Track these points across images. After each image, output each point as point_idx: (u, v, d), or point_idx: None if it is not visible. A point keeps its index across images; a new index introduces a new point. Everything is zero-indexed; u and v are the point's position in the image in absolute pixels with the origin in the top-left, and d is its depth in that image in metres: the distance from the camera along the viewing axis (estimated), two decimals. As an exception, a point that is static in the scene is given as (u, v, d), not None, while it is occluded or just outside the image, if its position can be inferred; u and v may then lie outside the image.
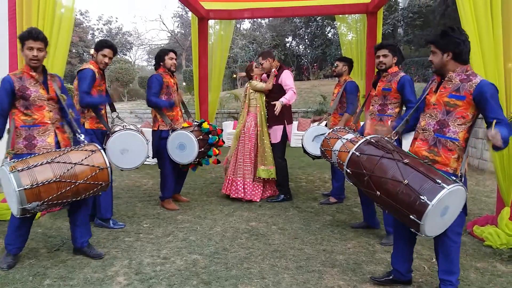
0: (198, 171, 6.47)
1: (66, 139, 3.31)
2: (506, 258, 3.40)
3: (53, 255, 3.39)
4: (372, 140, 2.77)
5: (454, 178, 2.45)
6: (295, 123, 10.39)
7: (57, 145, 3.23)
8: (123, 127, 4.12)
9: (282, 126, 5.16)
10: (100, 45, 4.04)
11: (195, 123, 4.79)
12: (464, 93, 2.55)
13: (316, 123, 5.19)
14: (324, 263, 3.29)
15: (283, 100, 4.91)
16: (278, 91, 5.11)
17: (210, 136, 4.67)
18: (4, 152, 3.11)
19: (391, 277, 2.93)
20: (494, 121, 2.38)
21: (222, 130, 5.16)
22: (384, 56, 3.88)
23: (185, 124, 4.70)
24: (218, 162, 5.03)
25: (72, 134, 3.42)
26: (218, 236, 3.90)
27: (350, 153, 2.77)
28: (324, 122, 5.13)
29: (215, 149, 4.74)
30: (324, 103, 12.75)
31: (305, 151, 4.86)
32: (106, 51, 4.01)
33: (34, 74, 3.16)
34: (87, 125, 3.96)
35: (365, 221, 4.16)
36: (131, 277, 3.01)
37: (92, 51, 4.16)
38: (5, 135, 3.17)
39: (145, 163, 4.77)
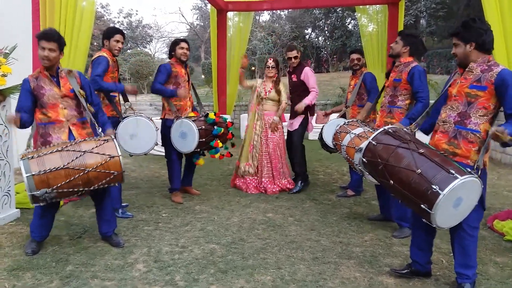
0: (216, 163, 6.53)
1: (84, 135, 3.31)
2: (527, 253, 3.35)
3: (75, 242, 3.49)
4: (389, 130, 2.77)
5: (470, 170, 2.42)
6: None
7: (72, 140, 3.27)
8: (134, 114, 4.19)
9: (302, 116, 5.20)
10: (111, 32, 4.14)
11: (203, 114, 4.78)
12: (485, 83, 2.51)
13: (335, 115, 5.20)
14: (340, 255, 3.30)
15: (306, 101, 5.11)
16: (301, 86, 5.18)
17: (215, 127, 4.63)
18: (25, 145, 3.21)
19: (411, 270, 2.92)
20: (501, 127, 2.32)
21: (232, 123, 5.16)
22: (395, 42, 3.81)
23: (192, 114, 4.71)
24: (231, 155, 5.06)
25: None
26: (235, 226, 3.94)
27: (367, 142, 2.78)
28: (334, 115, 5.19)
29: (217, 141, 4.65)
30: (343, 95, 12.64)
31: (323, 144, 4.85)
32: (118, 37, 4.11)
33: (47, 73, 3.23)
34: None
35: (382, 214, 4.14)
36: (150, 264, 3.08)
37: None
38: (30, 131, 3.27)
39: (161, 153, 4.84)
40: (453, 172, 2.33)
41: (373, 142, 2.74)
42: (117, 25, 32.49)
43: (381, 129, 2.80)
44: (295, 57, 5.20)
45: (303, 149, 5.33)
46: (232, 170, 6.24)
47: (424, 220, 2.48)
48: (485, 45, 2.57)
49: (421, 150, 2.51)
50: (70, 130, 3.27)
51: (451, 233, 2.71)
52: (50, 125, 3.22)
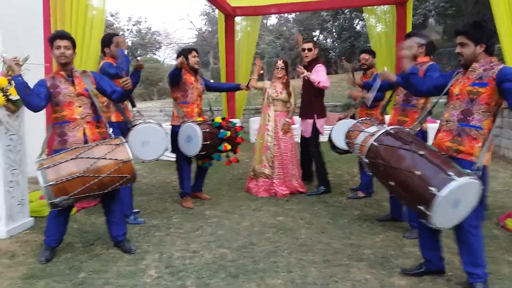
0: (226, 168, 6.55)
1: (96, 134, 3.39)
2: (542, 252, 3.30)
3: (88, 249, 3.53)
4: (391, 131, 2.79)
5: (469, 171, 2.42)
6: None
7: (86, 140, 3.34)
8: (143, 121, 4.24)
9: (312, 120, 5.16)
10: (109, 39, 4.19)
11: (210, 118, 4.79)
12: (486, 80, 2.53)
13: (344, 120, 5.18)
14: (351, 257, 3.29)
15: (312, 76, 4.98)
16: (311, 84, 5.09)
17: (221, 130, 4.64)
18: (40, 149, 3.29)
19: (422, 270, 2.91)
20: None
21: (242, 127, 5.18)
22: None
23: (199, 119, 4.74)
24: (238, 161, 5.07)
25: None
26: (245, 230, 3.95)
27: (369, 143, 2.79)
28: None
29: (226, 144, 4.66)
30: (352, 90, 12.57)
31: (332, 146, 4.84)
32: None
33: (63, 72, 3.34)
34: (113, 118, 4.14)
35: (391, 213, 4.12)
36: (162, 270, 3.11)
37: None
38: (45, 134, 3.35)
39: (172, 159, 4.88)
40: (452, 174, 2.35)
41: (375, 143, 2.75)
42: (126, 33, 32.83)
43: (383, 129, 2.82)
44: (309, 49, 5.17)
45: (321, 158, 5.30)
46: (242, 175, 6.27)
47: (423, 221, 2.50)
48: (492, 48, 2.60)
49: (422, 152, 2.53)
50: (84, 129, 3.35)
51: (455, 233, 2.72)
52: (66, 124, 3.31)
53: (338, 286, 2.83)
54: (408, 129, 2.87)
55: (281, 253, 3.40)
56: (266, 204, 4.81)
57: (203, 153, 4.53)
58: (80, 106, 3.34)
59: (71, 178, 2.95)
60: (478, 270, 2.64)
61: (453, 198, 2.36)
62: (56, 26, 4.39)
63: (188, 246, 3.57)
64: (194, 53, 4.80)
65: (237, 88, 5.70)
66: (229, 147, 4.70)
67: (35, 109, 3.25)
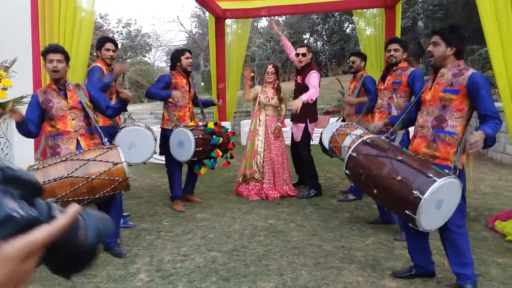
0: (216, 171, 6.53)
1: (91, 145, 3.36)
2: (529, 253, 3.34)
3: (77, 253, 3.49)
4: (368, 140, 2.85)
5: (448, 171, 2.48)
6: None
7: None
8: (132, 123, 4.22)
9: (304, 125, 5.16)
10: (101, 42, 4.19)
11: (203, 123, 4.77)
12: (457, 87, 2.60)
13: (334, 119, 5.22)
14: (342, 260, 3.30)
15: (303, 97, 4.75)
16: (304, 89, 5.04)
17: (213, 136, 4.62)
18: (25, 158, 3.26)
19: (412, 272, 2.94)
20: (475, 133, 2.40)
21: (233, 133, 5.17)
22: (395, 50, 3.98)
23: (192, 123, 4.70)
24: (229, 163, 5.06)
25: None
26: (236, 233, 3.94)
27: (348, 154, 2.84)
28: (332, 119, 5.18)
29: (218, 150, 4.65)
30: (342, 99, 12.64)
31: (323, 148, 4.87)
32: (108, 45, 4.17)
33: (55, 86, 3.31)
34: (100, 123, 4.09)
35: (381, 217, 4.15)
36: (152, 274, 3.08)
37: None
38: (33, 143, 3.34)
39: (163, 162, 4.86)
40: (432, 175, 2.40)
41: (354, 154, 2.80)
42: (116, 35, 32.63)
43: (360, 140, 2.86)
44: (303, 54, 5.14)
45: (311, 161, 5.31)
46: (233, 177, 6.26)
47: (410, 224, 2.53)
48: (462, 53, 2.68)
49: (399, 157, 2.58)
50: (78, 141, 3.33)
51: (440, 234, 2.76)
52: (59, 136, 3.29)
53: (329, 288, 2.84)
54: (384, 137, 2.93)
55: (273, 256, 3.40)
56: (257, 207, 4.80)
57: (194, 159, 4.51)
58: (73, 119, 3.32)
59: (59, 178, 2.89)
60: (466, 270, 2.67)
61: (436, 199, 2.41)
62: (45, 28, 4.33)
63: (179, 249, 3.55)
64: (187, 54, 4.73)
65: (212, 103, 5.62)
66: (220, 153, 4.69)
67: (32, 137, 3.28)
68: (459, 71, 2.62)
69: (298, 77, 5.27)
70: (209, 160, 4.75)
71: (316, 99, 5.21)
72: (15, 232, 0.54)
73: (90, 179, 2.98)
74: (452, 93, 2.61)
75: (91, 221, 0.72)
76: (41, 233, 0.56)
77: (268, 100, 5.20)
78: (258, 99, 5.28)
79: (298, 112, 4.72)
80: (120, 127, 4.16)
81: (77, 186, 2.95)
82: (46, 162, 3.01)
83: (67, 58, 3.31)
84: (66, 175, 2.92)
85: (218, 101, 5.57)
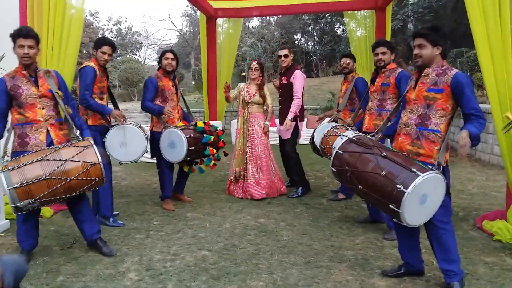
0: (207, 170, 6.51)
1: (61, 136, 3.28)
2: (516, 252, 3.39)
3: (66, 252, 3.46)
4: (354, 138, 2.89)
5: (431, 167, 2.52)
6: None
7: (50, 142, 3.22)
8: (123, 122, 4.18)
9: (294, 123, 5.19)
10: (99, 43, 4.10)
11: (192, 123, 4.73)
12: (442, 86, 2.65)
13: (326, 119, 5.24)
14: (332, 259, 3.31)
15: (291, 115, 5.07)
16: (290, 89, 5.16)
17: (204, 135, 4.59)
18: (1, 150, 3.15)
19: (402, 271, 2.97)
20: (462, 134, 2.43)
21: (223, 131, 5.15)
22: (383, 53, 4.06)
23: (180, 124, 4.66)
24: (215, 165, 5.00)
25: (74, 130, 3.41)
26: (227, 232, 3.94)
27: (334, 152, 2.86)
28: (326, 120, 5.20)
29: (211, 148, 4.63)
30: (333, 100, 12.71)
31: (314, 148, 4.88)
32: (105, 48, 4.06)
33: (25, 72, 3.16)
34: (90, 122, 4.03)
35: (370, 216, 4.18)
36: (142, 273, 3.07)
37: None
38: (5, 134, 3.20)
39: (153, 161, 4.83)
40: (415, 170, 2.44)
41: (340, 151, 2.83)
42: (106, 33, 32.41)
43: (346, 138, 2.89)
44: (285, 56, 5.21)
45: (298, 158, 5.34)
46: (224, 176, 6.25)
47: (395, 220, 2.58)
48: (446, 52, 2.74)
49: (384, 154, 2.63)
50: (48, 131, 3.22)
51: (426, 230, 2.80)
52: (28, 125, 3.16)
53: (319, 287, 2.85)
54: (369, 136, 2.98)
55: (263, 255, 3.40)
56: (248, 206, 4.80)
57: (186, 159, 4.49)
58: (43, 108, 3.20)
59: (36, 180, 2.82)
60: (453, 267, 2.71)
61: (420, 194, 2.45)
62: (34, 24, 4.28)
63: (169, 248, 3.54)
64: (166, 55, 4.62)
65: (187, 118, 5.20)
66: (214, 150, 4.67)
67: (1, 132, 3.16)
68: (443, 71, 2.67)
69: (283, 78, 5.32)
70: (204, 158, 4.71)
71: (302, 100, 5.24)
72: None
73: (68, 180, 2.93)
74: (436, 92, 2.66)
75: (7, 267, 0.90)
76: None
77: (249, 97, 5.20)
78: (241, 96, 5.29)
79: (287, 129, 5.12)
80: (112, 125, 4.13)
81: (55, 187, 2.89)
82: (20, 160, 2.89)
83: (38, 43, 3.15)
84: (43, 177, 2.85)
85: (226, 82, 5.31)
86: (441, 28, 2.70)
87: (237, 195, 5.20)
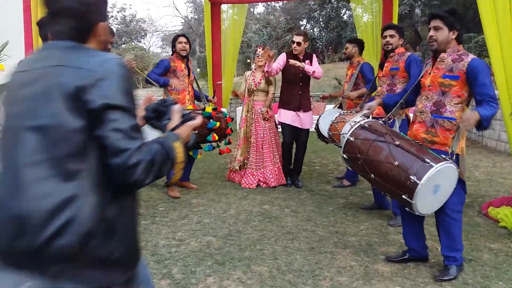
0: (212, 157, 6.54)
1: None
2: (521, 239, 3.38)
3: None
4: (365, 124, 2.82)
5: (444, 156, 2.49)
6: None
7: None
8: None
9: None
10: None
11: (201, 107, 4.71)
12: (457, 73, 2.59)
13: (330, 106, 5.20)
14: (336, 245, 3.32)
15: (308, 67, 4.80)
16: (307, 77, 4.99)
17: (210, 120, 4.54)
18: None
19: (406, 257, 2.97)
20: (467, 110, 2.42)
21: (232, 119, 5.11)
22: (391, 36, 3.98)
23: (190, 107, 4.66)
24: (230, 150, 4.99)
25: None
26: (231, 218, 3.95)
27: (346, 138, 2.81)
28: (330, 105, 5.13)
29: (214, 134, 4.57)
30: (339, 86, 12.63)
31: (319, 135, 4.85)
32: None
33: None
34: None
35: (375, 202, 4.17)
36: (147, 258, 3.09)
37: None
38: None
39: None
40: (429, 161, 2.40)
41: (351, 138, 2.78)
42: (110, 20, 32.23)
43: (358, 124, 2.83)
44: (298, 44, 4.94)
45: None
46: (228, 163, 6.25)
47: (407, 209, 2.55)
48: (462, 37, 2.67)
49: (397, 142, 2.58)
50: None
51: (436, 218, 2.79)
52: None
53: (323, 273, 2.86)
54: (381, 122, 2.93)
55: (267, 240, 3.42)
56: (252, 193, 4.81)
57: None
58: None
59: None
60: (456, 254, 2.73)
61: (433, 184, 2.42)
62: (37, 11, 4.26)
63: (174, 234, 3.56)
64: (179, 39, 4.76)
65: (198, 98, 5.24)
66: (217, 137, 4.64)
67: None
68: (458, 56, 2.61)
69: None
70: (206, 143, 4.69)
71: (308, 87, 5.14)
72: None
73: None
74: (452, 78, 2.60)
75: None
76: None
77: (255, 84, 5.15)
78: (247, 84, 5.26)
79: (301, 68, 4.77)
80: None
81: None
82: None
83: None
84: None
85: (213, 97, 5.35)
86: (459, 13, 2.63)
87: (239, 182, 5.19)
